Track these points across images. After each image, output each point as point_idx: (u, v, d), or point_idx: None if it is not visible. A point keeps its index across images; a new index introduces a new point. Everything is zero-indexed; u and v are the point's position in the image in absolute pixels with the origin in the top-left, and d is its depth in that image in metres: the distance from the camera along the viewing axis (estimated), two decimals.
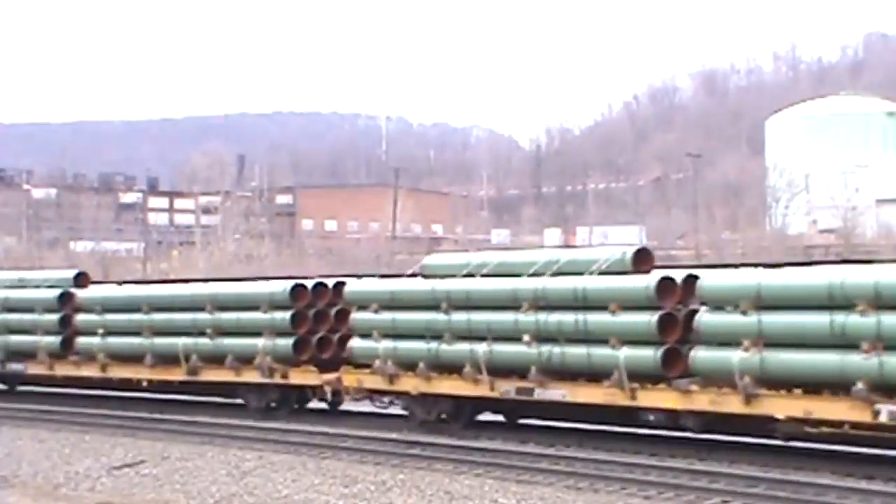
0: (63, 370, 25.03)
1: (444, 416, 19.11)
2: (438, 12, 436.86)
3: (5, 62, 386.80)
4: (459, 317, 18.25)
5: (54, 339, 24.95)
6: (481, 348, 17.89)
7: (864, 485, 14.22)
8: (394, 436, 19.16)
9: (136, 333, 23.45)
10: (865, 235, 73.80)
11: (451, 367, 18.45)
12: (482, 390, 18.05)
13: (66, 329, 24.83)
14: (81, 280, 26.23)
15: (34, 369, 25.65)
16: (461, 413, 19.02)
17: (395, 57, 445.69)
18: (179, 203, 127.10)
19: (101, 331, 23.95)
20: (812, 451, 16.02)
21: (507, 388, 17.79)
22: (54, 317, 25.12)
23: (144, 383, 23.72)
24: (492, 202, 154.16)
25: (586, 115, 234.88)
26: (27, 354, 25.68)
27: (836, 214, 76.16)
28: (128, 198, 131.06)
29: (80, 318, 24.65)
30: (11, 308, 26.10)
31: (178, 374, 22.86)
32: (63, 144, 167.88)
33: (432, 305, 18.64)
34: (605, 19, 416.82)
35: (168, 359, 22.95)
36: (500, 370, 17.87)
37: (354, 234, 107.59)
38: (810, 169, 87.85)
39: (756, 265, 17.44)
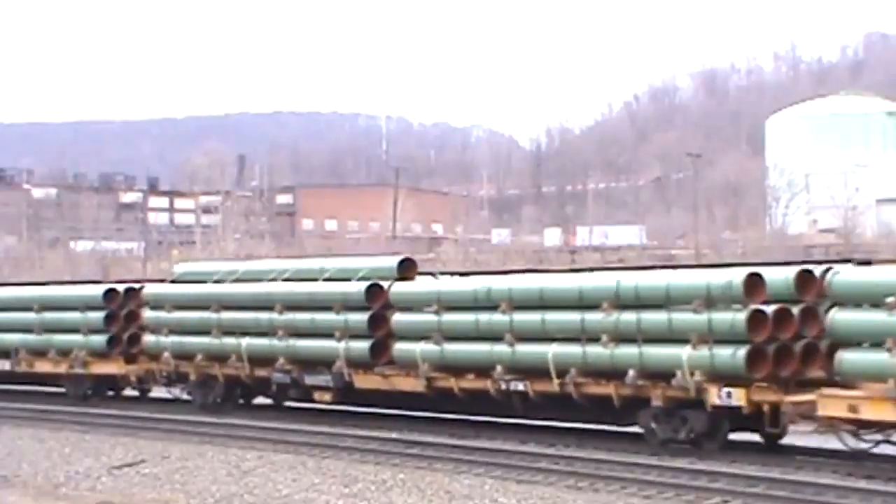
0: None
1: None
2: (438, 12, 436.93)
3: (5, 62, 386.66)
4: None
5: None
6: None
7: (863, 485, 14.23)
8: (394, 436, 19.18)
9: None
10: (865, 235, 73.75)
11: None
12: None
13: None
14: None
15: None
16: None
17: (395, 57, 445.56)
18: (179, 203, 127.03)
19: None
20: (812, 451, 16.03)
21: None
22: None
23: None
24: (492, 202, 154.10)
25: (586, 115, 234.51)
26: None
27: (836, 214, 76.13)
28: (128, 197, 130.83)
29: None
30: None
31: None
32: (63, 144, 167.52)
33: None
34: (606, 19, 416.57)
35: None
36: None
37: (354, 234, 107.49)
38: (810, 169, 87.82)
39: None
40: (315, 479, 16.57)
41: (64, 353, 25.11)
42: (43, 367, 25.81)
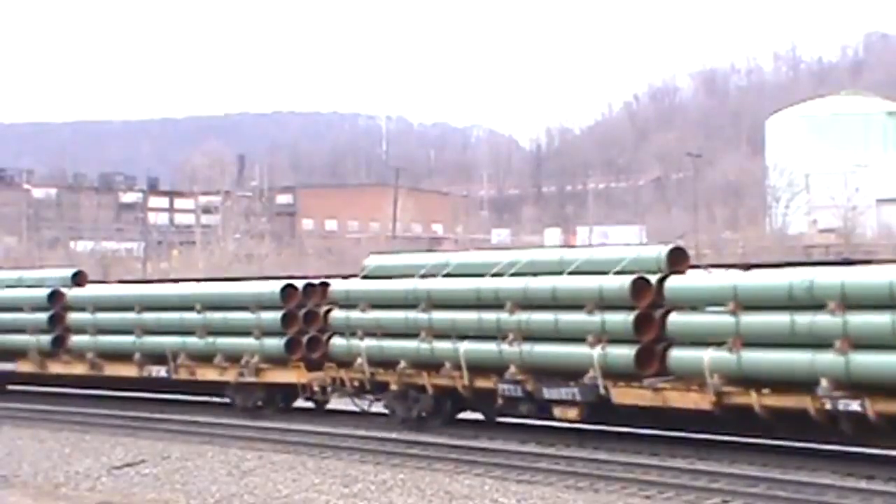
0: None
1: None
2: (438, 12, 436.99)
3: (5, 62, 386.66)
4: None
5: None
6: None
7: (864, 485, 14.22)
8: (394, 436, 19.18)
9: None
10: (865, 235, 73.83)
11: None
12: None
13: None
14: None
15: None
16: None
17: (395, 57, 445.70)
18: (179, 203, 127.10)
19: None
20: (812, 451, 16.02)
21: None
22: None
23: None
24: (492, 202, 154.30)
25: (586, 114, 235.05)
26: None
27: (836, 214, 76.14)
28: (128, 198, 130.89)
29: None
30: None
31: None
32: (63, 144, 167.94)
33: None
34: (606, 19, 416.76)
35: None
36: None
37: (354, 234, 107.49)
38: (810, 169, 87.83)
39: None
40: (315, 479, 16.57)
41: (232, 358, 22.25)
42: (206, 374, 22.79)
